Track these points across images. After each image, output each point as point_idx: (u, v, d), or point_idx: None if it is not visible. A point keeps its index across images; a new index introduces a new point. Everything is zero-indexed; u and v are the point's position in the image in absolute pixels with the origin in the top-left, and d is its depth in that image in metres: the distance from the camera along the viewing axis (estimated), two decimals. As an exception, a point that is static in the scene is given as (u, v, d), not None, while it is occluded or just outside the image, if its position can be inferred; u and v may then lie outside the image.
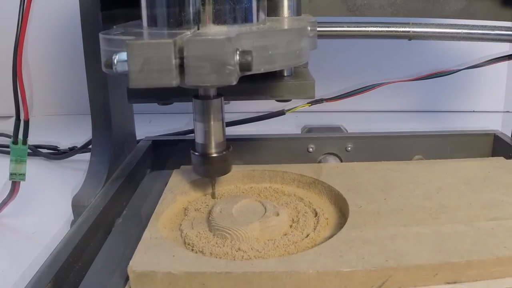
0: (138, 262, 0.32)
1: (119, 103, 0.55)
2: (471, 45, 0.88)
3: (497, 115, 1.02)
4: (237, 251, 0.34)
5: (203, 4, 0.34)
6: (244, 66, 0.29)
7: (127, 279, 0.32)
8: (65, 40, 1.00)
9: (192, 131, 0.68)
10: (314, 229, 0.38)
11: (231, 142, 0.60)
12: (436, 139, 0.61)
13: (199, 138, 0.40)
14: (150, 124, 0.95)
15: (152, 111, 0.94)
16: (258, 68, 0.32)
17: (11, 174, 0.53)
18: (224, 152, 0.40)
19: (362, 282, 0.31)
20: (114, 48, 0.31)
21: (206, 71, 0.28)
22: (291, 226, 0.38)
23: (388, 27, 0.57)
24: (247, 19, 0.35)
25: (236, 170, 0.46)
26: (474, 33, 0.56)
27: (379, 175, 0.45)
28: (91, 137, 0.56)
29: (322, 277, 0.31)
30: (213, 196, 0.43)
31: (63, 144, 0.79)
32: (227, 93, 0.46)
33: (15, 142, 0.52)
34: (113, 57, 0.30)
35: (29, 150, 0.76)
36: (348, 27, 0.57)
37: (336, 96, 0.58)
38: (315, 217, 0.40)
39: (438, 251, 0.32)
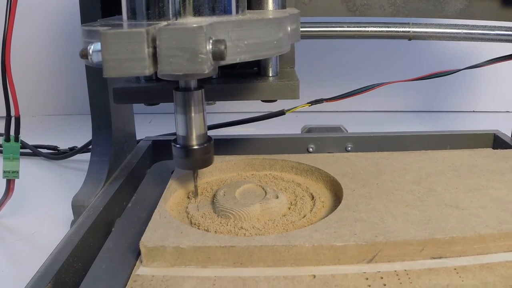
0: (149, 238, 0.35)
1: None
2: (471, 45, 0.89)
3: (497, 115, 1.02)
4: (239, 229, 0.38)
5: None
6: (217, 54, 0.30)
7: (138, 254, 0.35)
8: (66, 40, 1.01)
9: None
10: (311, 210, 0.41)
11: (231, 142, 0.61)
12: (436, 139, 0.62)
13: (180, 131, 0.40)
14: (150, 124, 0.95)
15: (152, 111, 0.94)
16: (234, 58, 0.33)
17: (4, 172, 0.54)
18: (205, 145, 0.40)
19: (354, 255, 0.34)
20: (91, 39, 0.32)
21: (179, 60, 0.29)
22: (289, 208, 0.42)
23: (388, 27, 0.57)
24: (226, 10, 0.36)
25: (238, 159, 0.50)
26: (474, 33, 0.57)
27: (371, 163, 0.48)
28: (91, 139, 0.56)
29: (317, 251, 0.34)
30: (195, 189, 0.43)
31: (63, 145, 0.79)
32: (211, 94, 0.47)
33: (7, 139, 0.52)
34: (89, 47, 0.30)
35: (29, 150, 0.76)
36: (348, 27, 0.58)
37: (336, 96, 0.58)
38: (311, 200, 0.43)
39: (424, 229, 0.35)
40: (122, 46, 0.28)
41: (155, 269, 0.34)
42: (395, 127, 0.92)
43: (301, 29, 0.58)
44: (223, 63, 0.31)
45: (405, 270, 0.33)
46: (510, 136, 0.63)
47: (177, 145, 0.40)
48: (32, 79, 1.03)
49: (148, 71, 0.29)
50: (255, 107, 0.73)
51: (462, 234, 0.34)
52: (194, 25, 0.29)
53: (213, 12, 0.35)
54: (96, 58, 0.30)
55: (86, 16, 0.52)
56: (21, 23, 1.02)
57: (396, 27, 0.58)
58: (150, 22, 0.33)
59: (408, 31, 0.58)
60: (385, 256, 0.34)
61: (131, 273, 0.34)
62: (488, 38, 0.58)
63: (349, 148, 0.63)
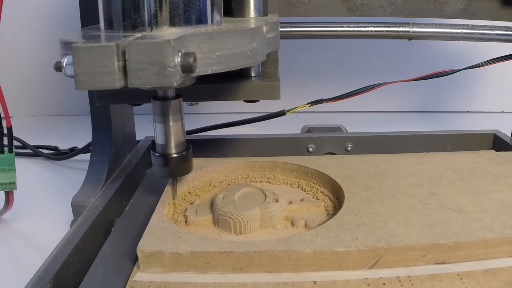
0: (147, 243, 0.34)
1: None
2: (471, 45, 0.88)
3: (499, 115, 1.02)
4: (239, 234, 0.38)
5: (156, 7, 0.35)
6: (186, 67, 0.30)
7: (135, 260, 0.35)
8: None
9: (193, 132, 0.68)
10: (312, 214, 0.41)
11: (232, 142, 0.61)
12: (436, 139, 0.62)
13: (159, 139, 0.40)
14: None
15: (152, 111, 0.94)
16: (205, 69, 0.33)
17: (1, 184, 0.53)
18: (184, 153, 0.40)
19: (355, 261, 0.33)
20: (67, 51, 0.32)
21: (147, 73, 0.29)
22: (289, 212, 0.41)
23: (388, 27, 0.57)
24: (200, 20, 0.36)
25: (238, 161, 0.50)
26: (474, 33, 0.57)
27: (372, 165, 0.48)
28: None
29: (318, 256, 0.33)
30: (173, 196, 0.43)
31: (63, 145, 0.79)
32: (192, 94, 0.47)
33: (0, 151, 0.53)
34: (62, 60, 0.31)
35: (29, 151, 0.76)
36: (348, 27, 0.58)
37: (336, 96, 0.58)
38: (312, 203, 0.43)
39: (427, 233, 0.35)
40: (93, 60, 0.29)
41: (153, 274, 0.34)
42: (395, 127, 0.92)
43: (301, 29, 0.58)
44: (193, 75, 0.31)
45: (408, 276, 0.33)
46: (510, 136, 0.63)
47: (156, 154, 0.40)
48: (33, 80, 1.03)
49: (118, 84, 0.29)
50: (255, 107, 0.73)
51: (465, 239, 0.34)
52: (161, 39, 0.29)
53: (188, 23, 0.35)
54: (69, 71, 0.30)
55: (86, 20, 0.52)
56: (22, 23, 1.02)
57: (396, 27, 0.58)
58: (126, 34, 0.33)
59: (408, 31, 0.58)
60: (387, 261, 0.34)
61: (128, 279, 0.33)
62: (488, 38, 0.58)
63: (349, 148, 0.62)
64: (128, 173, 0.53)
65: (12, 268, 0.48)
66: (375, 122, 0.99)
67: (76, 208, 0.49)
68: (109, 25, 0.35)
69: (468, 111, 1.04)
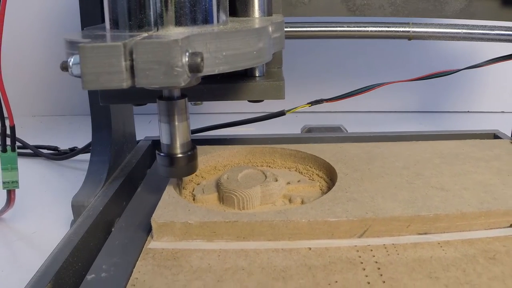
0: (160, 215, 0.39)
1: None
2: (471, 45, 0.89)
3: (500, 115, 1.02)
4: (242, 209, 0.43)
5: (162, 6, 0.36)
6: (193, 67, 0.31)
7: (149, 231, 0.40)
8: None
9: (193, 132, 0.68)
10: (307, 192, 0.46)
11: (232, 142, 0.61)
12: (436, 139, 0.62)
13: (164, 139, 0.41)
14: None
15: (152, 111, 0.94)
16: (212, 69, 0.34)
17: (4, 182, 0.55)
18: (189, 153, 0.42)
19: (346, 230, 0.38)
20: (73, 51, 0.33)
21: (155, 73, 0.30)
22: (287, 191, 0.46)
23: (388, 27, 0.58)
24: (207, 20, 0.37)
25: (240, 148, 0.54)
26: (474, 33, 0.58)
27: (364, 151, 0.53)
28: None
29: (313, 226, 0.38)
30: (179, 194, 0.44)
31: (63, 145, 0.79)
32: (197, 94, 0.49)
33: (3, 150, 0.53)
34: (69, 60, 0.32)
35: (30, 151, 0.76)
36: (348, 27, 0.58)
37: (336, 97, 0.59)
38: (308, 184, 0.47)
39: (411, 207, 0.40)
40: (100, 60, 0.29)
41: (165, 243, 0.38)
42: (395, 127, 0.93)
43: (301, 29, 0.58)
44: (200, 75, 0.32)
45: (393, 244, 0.37)
46: (510, 136, 0.63)
47: (162, 154, 0.41)
48: (33, 80, 1.03)
49: (125, 84, 0.30)
50: (255, 107, 0.73)
51: (445, 212, 0.39)
52: (170, 39, 0.30)
53: (193, 22, 0.37)
54: (76, 71, 0.31)
55: (86, 20, 0.52)
56: (23, 23, 1.02)
57: (396, 27, 0.59)
58: (132, 33, 0.34)
59: (408, 31, 0.58)
60: (374, 231, 0.38)
61: (143, 247, 0.38)
62: (488, 38, 0.58)
63: (349, 148, 0.63)
64: (128, 173, 0.54)
65: (12, 268, 0.48)
66: (375, 122, 0.99)
67: (76, 208, 0.50)
68: (115, 24, 0.36)
69: (468, 111, 1.04)
